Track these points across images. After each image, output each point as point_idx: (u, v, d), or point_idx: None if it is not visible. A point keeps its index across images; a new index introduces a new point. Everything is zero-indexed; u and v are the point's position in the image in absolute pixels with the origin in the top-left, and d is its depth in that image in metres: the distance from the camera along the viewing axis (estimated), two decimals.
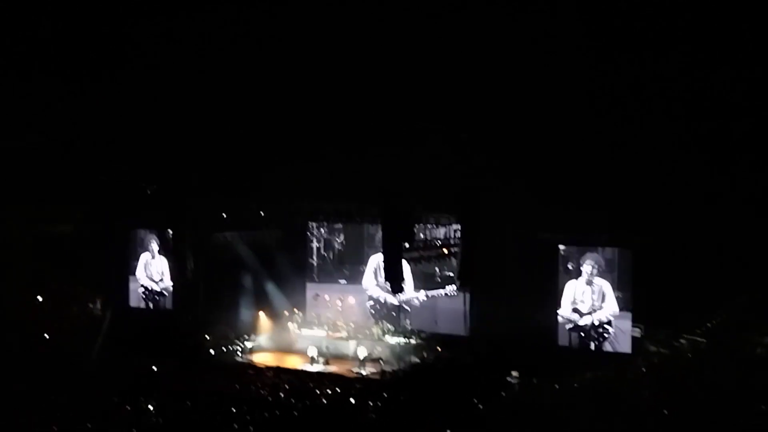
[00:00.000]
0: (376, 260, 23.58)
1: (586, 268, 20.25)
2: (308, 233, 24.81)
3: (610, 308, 19.89)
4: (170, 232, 24.87)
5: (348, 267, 24.49)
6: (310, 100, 19.64)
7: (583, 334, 20.14)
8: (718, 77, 16.50)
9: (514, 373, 18.33)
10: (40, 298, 23.73)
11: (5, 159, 21.06)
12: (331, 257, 24.77)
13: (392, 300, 23.39)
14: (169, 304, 25.02)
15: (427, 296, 22.95)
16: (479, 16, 17.59)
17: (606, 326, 19.92)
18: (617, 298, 19.91)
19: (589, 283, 20.21)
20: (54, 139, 21.36)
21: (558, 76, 17.69)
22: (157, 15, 19.23)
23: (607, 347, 19.92)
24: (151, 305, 25.19)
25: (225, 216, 24.43)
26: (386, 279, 22.20)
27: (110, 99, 20.71)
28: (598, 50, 17.42)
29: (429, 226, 23.02)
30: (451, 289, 22.47)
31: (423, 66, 18.37)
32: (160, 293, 25.10)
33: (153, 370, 18.49)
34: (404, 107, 18.90)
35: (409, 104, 18.85)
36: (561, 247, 20.68)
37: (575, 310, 20.24)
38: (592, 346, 20.05)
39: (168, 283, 24.98)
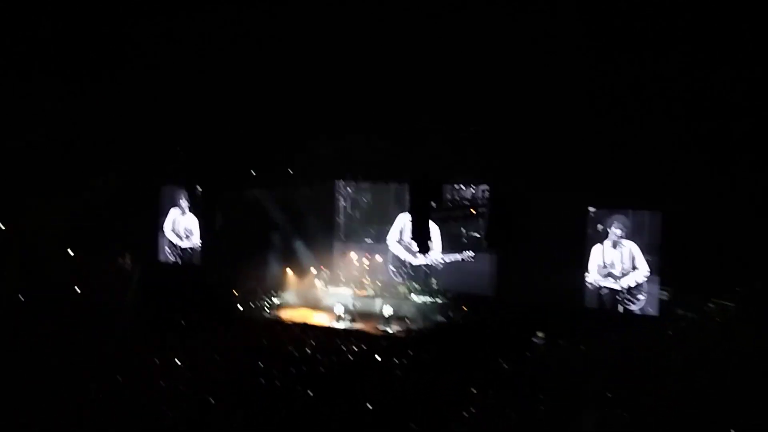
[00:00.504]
0: (403, 220, 23.60)
1: (614, 230, 20.13)
2: (336, 192, 24.88)
3: (643, 270, 19.77)
4: (199, 189, 25.04)
5: (375, 226, 24.56)
6: (343, 66, 19.63)
7: (616, 297, 20.07)
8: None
9: (540, 334, 18.34)
10: (71, 252, 24.05)
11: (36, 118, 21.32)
12: (358, 216, 24.83)
13: (413, 260, 23.48)
14: (196, 261, 25.35)
15: (443, 260, 23.00)
16: None
17: (638, 290, 19.82)
18: (646, 261, 19.83)
19: (616, 246, 20.10)
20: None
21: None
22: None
23: (637, 311, 19.86)
24: (179, 262, 25.56)
25: (254, 173, 24.52)
26: (413, 238, 22.24)
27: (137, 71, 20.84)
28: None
29: (457, 186, 22.93)
30: (468, 254, 22.49)
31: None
32: (186, 250, 25.43)
33: (181, 324, 18.68)
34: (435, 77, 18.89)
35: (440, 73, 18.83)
36: (591, 209, 20.56)
37: (609, 274, 20.13)
38: (620, 308, 20.01)
39: (195, 240, 25.24)
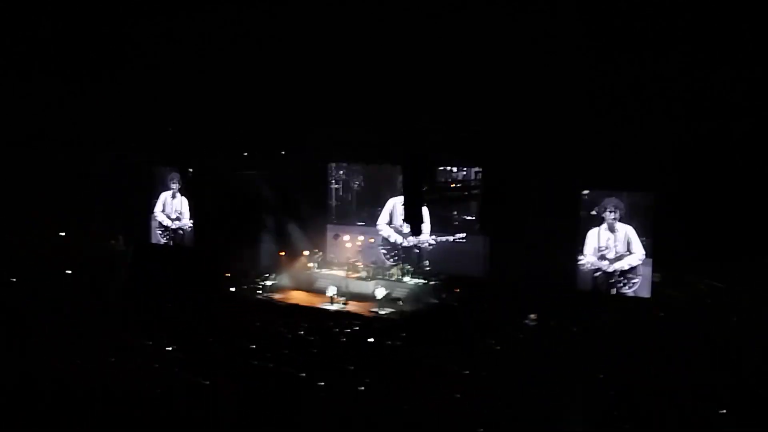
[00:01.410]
0: (393, 203, 23.58)
1: (608, 214, 20.14)
2: (328, 174, 24.84)
3: (638, 254, 19.82)
4: (190, 170, 24.99)
5: (367, 209, 24.53)
6: (334, 49, 19.61)
7: (609, 280, 20.12)
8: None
9: (532, 316, 18.39)
10: (62, 234, 24.02)
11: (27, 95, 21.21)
12: (350, 198, 24.81)
13: (404, 242, 23.50)
14: (188, 242, 25.35)
15: (435, 241, 23.01)
16: None
17: (633, 273, 19.87)
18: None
19: (612, 229, 20.13)
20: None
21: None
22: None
23: (630, 293, 19.92)
24: (170, 243, 25.55)
25: (246, 155, 24.47)
26: (405, 220, 22.23)
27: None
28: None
29: (450, 168, 22.89)
30: (459, 236, 22.52)
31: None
32: (177, 231, 25.44)
33: (173, 306, 18.66)
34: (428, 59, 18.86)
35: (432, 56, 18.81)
36: (584, 191, 20.56)
37: (602, 257, 20.17)
38: (613, 291, 20.06)
39: (185, 221, 25.23)
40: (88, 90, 21.87)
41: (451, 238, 22.82)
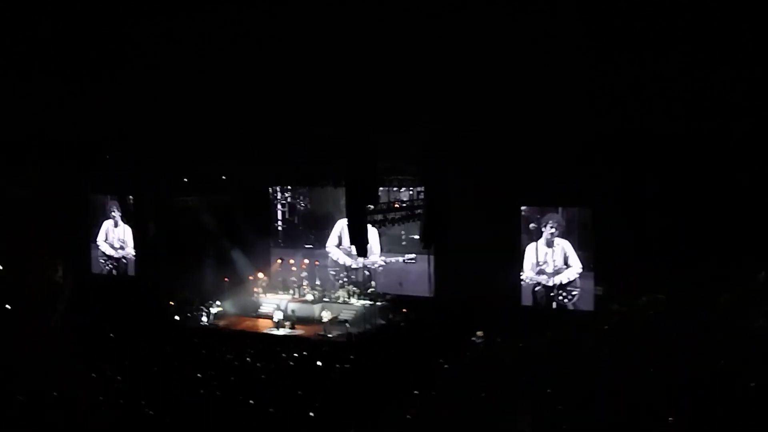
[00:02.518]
0: (341, 225, 23.58)
1: (548, 229, 20.48)
2: (271, 198, 24.75)
3: (575, 267, 20.18)
4: (131, 198, 24.64)
5: (314, 231, 24.49)
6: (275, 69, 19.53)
7: (550, 294, 20.42)
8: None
9: (479, 333, 18.53)
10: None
11: None
12: (296, 221, 24.75)
13: (353, 263, 23.51)
14: (131, 271, 24.95)
15: (385, 262, 23.10)
16: None
17: (572, 286, 20.20)
18: (579, 257, 20.21)
19: (550, 244, 20.46)
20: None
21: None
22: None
23: (570, 306, 20.24)
24: (114, 272, 25.11)
25: (186, 180, 24.22)
26: (351, 242, 22.26)
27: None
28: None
29: (393, 188, 23.00)
30: (408, 257, 22.69)
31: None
32: (121, 260, 25.04)
33: (116, 335, 18.35)
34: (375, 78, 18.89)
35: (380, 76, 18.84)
36: (523, 208, 20.88)
37: (541, 272, 20.47)
38: (555, 305, 20.36)
39: (130, 250, 24.84)
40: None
41: (401, 259, 22.90)
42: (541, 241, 20.55)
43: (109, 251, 25.17)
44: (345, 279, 23.57)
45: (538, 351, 15.94)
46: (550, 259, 20.41)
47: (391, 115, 19.11)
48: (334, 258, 23.90)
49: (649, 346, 14.86)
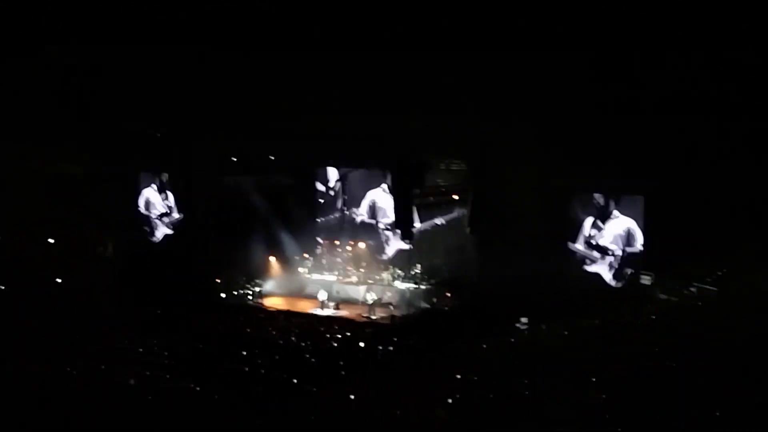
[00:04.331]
0: (372, 196, 23.58)
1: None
2: (318, 180, 24.74)
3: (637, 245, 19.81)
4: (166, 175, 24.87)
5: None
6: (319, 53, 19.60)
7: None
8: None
9: (524, 320, 18.39)
10: (51, 241, 23.87)
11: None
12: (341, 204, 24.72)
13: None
14: (181, 248, 25.07)
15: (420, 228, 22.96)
16: None
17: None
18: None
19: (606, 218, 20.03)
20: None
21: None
22: None
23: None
24: (164, 243, 25.26)
25: (235, 160, 24.40)
26: (396, 225, 22.24)
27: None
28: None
29: (440, 171, 22.90)
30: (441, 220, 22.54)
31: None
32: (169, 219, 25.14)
33: (163, 312, 18.59)
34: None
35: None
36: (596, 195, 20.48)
37: (590, 244, 20.05)
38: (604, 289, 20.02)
39: (175, 215, 24.96)
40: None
41: (437, 222, 22.74)
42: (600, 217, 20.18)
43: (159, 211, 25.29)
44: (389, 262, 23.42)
45: (582, 339, 15.82)
46: (606, 234, 19.90)
47: (439, 98, 19.09)
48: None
49: (696, 337, 14.64)
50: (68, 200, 23.34)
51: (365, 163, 23.71)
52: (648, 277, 19.37)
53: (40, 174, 23.52)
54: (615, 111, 18.28)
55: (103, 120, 22.55)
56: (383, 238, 23.33)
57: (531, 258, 19.64)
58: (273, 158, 24.37)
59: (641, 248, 19.67)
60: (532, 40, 17.78)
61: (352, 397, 12.63)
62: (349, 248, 23.74)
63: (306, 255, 23.80)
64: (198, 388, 12.97)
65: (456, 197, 22.69)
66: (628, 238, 19.81)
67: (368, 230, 23.67)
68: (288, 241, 23.91)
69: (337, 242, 23.97)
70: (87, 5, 19.66)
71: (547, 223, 20.25)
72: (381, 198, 23.29)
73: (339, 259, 23.58)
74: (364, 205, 23.82)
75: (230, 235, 23.61)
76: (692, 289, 17.78)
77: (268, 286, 23.10)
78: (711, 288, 17.47)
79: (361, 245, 23.73)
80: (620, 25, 17.00)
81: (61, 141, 22.85)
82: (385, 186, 23.06)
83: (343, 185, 24.33)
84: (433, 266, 22.76)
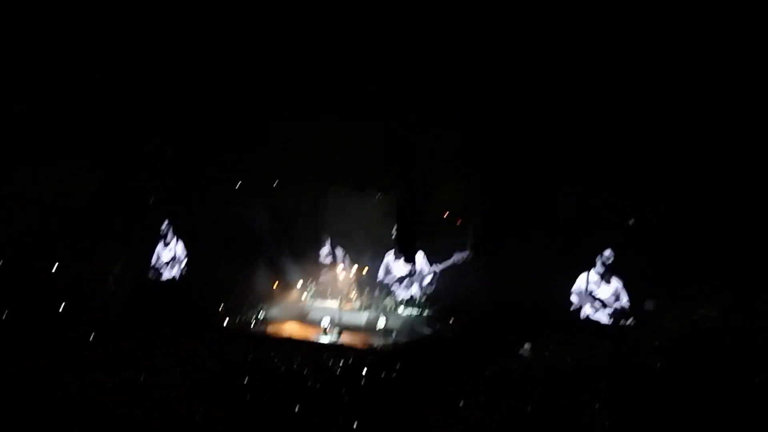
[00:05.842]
0: (389, 258, 23.24)
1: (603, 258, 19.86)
2: (319, 206, 24.75)
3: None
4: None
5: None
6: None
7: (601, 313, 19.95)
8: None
9: (526, 346, 18.31)
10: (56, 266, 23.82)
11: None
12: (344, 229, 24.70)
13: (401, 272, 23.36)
14: (179, 275, 24.94)
15: (436, 272, 22.88)
16: None
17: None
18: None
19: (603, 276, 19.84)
20: None
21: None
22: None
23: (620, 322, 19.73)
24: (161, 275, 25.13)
25: (239, 185, 24.43)
26: (400, 251, 22.19)
27: None
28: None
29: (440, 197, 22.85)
30: (458, 257, 22.38)
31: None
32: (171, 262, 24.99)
33: (163, 338, 18.52)
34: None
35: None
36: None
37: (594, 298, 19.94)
38: (606, 320, 19.94)
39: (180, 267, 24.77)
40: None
41: (449, 262, 22.49)
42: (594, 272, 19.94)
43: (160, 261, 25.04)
44: (393, 288, 23.41)
45: (587, 365, 15.76)
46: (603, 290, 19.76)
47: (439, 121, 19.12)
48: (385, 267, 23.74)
49: (702, 361, 14.59)
50: (80, 219, 23.23)
51: (369, 189, 23.70)
52: (651, 303, 19.28)
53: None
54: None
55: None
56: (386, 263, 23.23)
57: (536, 284, 19.63)
58: (276, 183, 24.41)
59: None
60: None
61: (355, 425, 12.59)
62: (352, 274, 23.70)
63: (309, 281, 23.75)
64: (197, 418, 12.92)
65: (458, 222, 22.68)
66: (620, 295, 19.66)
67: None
68: (291, 267, 23.87)
69: (340, 268, 23.93)
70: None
71: (553, 250, 20.23)
72: (392, 262, 23.11)
73: (342, 285, 23.53)
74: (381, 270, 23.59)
75: (233, 261, 23.58)
76: (694, 316, 17.73)
77: (271, 312, 23.02)
78: (716, 315, 17.42)
79: (365, 271, 23.71)
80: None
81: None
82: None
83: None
84: (436, 292, 22.70)
